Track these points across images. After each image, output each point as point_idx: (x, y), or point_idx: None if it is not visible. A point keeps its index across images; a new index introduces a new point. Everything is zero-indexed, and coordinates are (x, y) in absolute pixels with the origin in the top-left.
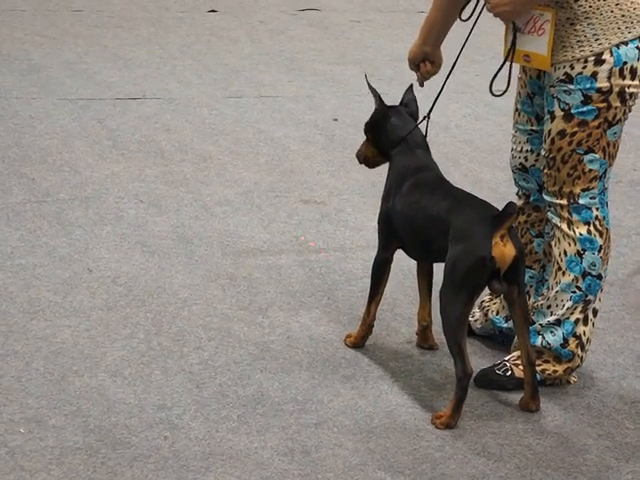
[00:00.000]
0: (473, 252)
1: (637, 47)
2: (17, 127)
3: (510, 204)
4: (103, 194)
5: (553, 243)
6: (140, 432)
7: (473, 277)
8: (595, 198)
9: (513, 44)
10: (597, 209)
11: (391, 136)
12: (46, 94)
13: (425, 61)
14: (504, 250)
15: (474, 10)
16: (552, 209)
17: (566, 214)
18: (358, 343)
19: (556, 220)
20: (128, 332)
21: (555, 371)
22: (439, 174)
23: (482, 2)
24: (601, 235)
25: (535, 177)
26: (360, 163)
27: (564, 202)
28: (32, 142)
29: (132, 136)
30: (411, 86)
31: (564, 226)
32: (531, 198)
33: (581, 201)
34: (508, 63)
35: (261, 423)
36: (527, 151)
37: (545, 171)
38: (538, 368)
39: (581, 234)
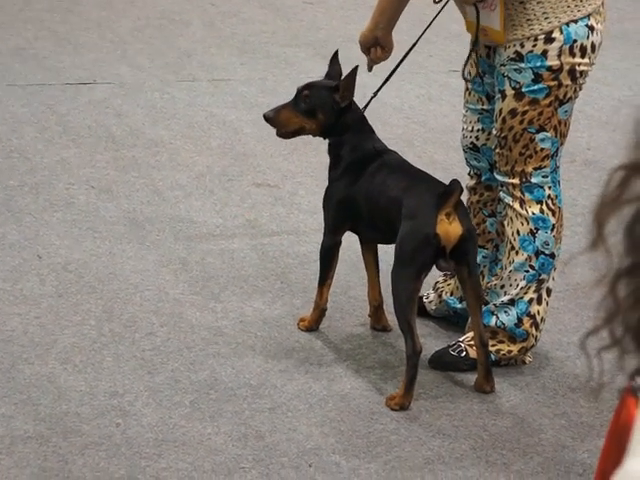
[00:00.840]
0: (418, 229)
1: (587, 25)
2: None
3: (453, 181)
4: (53, 180)
5: (506, 223)
6: (91, 420)
7: (419, 254)
8: (547, 177)
9: (478, 22)
10: (549, 188)
11: (348, 120)
12: None
13: (376, 46)
14: (449, 228)
15: None
16: (504, 189)
17: (518, 193)
18: (312, 327)
19: (508, 200)
20: (79, 319)
21: (510, 351)
22: (401, 158)
23: None
24: (554, 214)
25: (486, 156)
26: (274, 126)
27: (516, 181)
28: None
29: (82, 121)
30: (336, 53)
31: (516, 205)
32: (483, 177)
33: (533, 180)
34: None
35: (214, 409)
36: (478, 130)
37: (497, 151)
38: (492, 348)
39: (534, 213)
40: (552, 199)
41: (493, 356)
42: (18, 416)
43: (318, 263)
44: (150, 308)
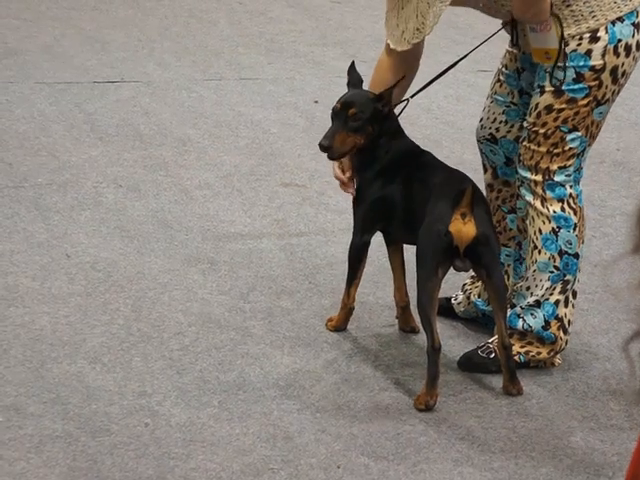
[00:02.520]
0: (432, 226)
1: (633, 23)
2: None
3: (466, 180)
4: (81, 179)
5: (528, 222)
6: (120, 419)
7: (432, 250)
8: (570, 176)
9: (561, 44)
10: (571, 187)
11: (387, 125)
12: (23, 78)
13: None
14: (462, 228)
15: (516, 34)
16: (525, 185)
17: (540, 191)
18: (340, 327)
19: (529, 197)
20: (107, 318)
21: (539, 352)
22: (434, 156)
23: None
24: (575, 213)
25: (503, 149)
26: (331, 153)
27: (539, 178)
28: (9, 127)
29: (110, 120)
30: (353, 63)
31: (537, 204)
32: (498, 172)
33: (556, 178)
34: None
35: (242, 409)
36: (500, 122)
37: (524, 144)
38: (522, 350)
39: (555, 212)
40: (573, 198)
41: (522, 357)
42: (47, 415)
43: (346, 264)
44: (178, 308)
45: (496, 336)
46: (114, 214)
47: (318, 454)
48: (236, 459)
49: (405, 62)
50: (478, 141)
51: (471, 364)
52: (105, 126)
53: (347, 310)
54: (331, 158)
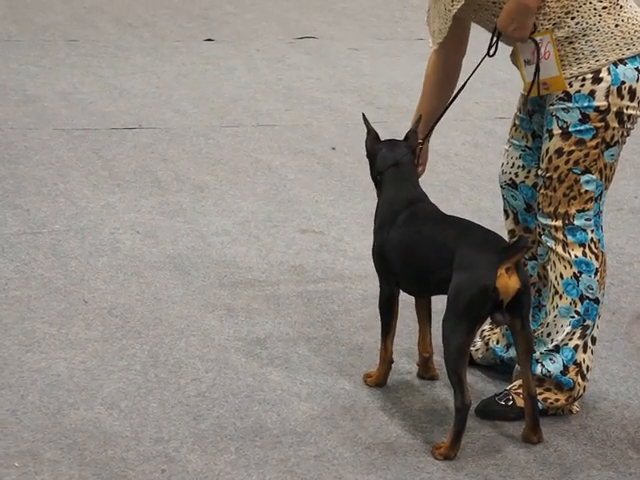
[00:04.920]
0: (477, 281)
1: (637, 68)
2: (12, 158)
3: (521, 238)
4: (99, 225)
5: (549, 267)
6: (137, 465)
7: (475, 306)
8: (590, 220)
9: (536, 74)
10: (592, 231)
11: (377, 166)
12: (41, 124)
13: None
14: (508, 282)
15: (496, 45)
16: (546, 232)
17: (561, 236)
18: (380, 382)
19: (551, 243)
20: (124, 364)
21: (557, 399)
22: (435, 207)
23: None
24: (597, 258)
25: (523, 194)
26: None
27: (559, 224)
28: (27, 173)
29: (128, 166)
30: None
31: (559, 249)
32: (519, 217)
33: (576, 222)
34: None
35: (260, 456)
36: (519, 167)
37: (541, 191)
38: (540, 397)
39: (576, 256)
40: (595, 243)
41: (540, 404)
42: (64, 461)
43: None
44: (195, 354)
45: (515, 383)
46: (131, 260)
47: None
48: None
49: (446, 63)
50: (500, 186)
51: (489, 412)
52: (123, 172)
53: (387, 364)
54: None
